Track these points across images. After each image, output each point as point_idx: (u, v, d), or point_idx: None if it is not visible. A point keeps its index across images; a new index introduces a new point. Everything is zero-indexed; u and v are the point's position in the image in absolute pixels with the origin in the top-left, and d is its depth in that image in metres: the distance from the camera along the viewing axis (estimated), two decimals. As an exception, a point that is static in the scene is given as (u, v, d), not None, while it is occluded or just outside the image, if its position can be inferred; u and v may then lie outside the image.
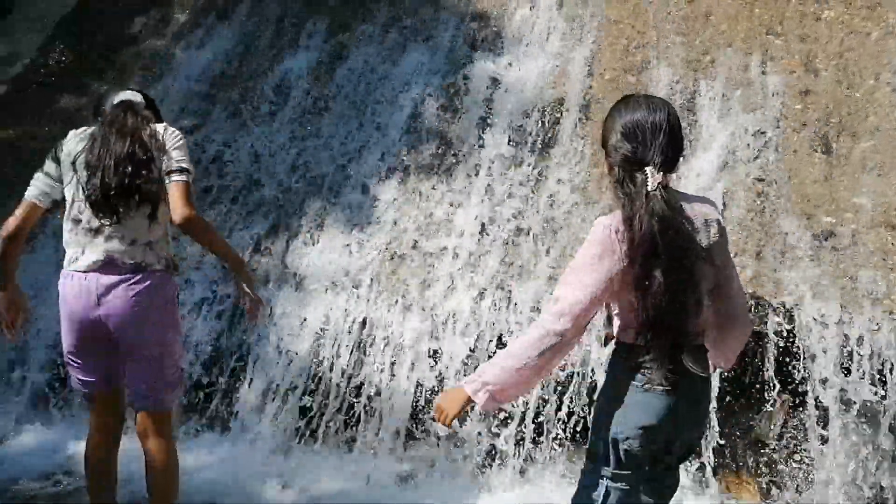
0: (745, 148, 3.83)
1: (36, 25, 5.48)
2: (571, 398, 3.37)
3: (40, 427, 3.78)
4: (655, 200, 1.82)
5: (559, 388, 3.39)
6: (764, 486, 3.25)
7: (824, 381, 3.18)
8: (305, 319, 3.74)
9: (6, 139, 4.78)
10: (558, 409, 3.37)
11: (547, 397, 3.41)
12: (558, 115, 4.22)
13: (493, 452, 3.42)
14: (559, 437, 3.37)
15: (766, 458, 3.26)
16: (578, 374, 3.38)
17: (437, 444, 3.51)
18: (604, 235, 1.85)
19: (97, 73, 5.08)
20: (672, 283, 1.80)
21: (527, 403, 3.40)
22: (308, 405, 3.65)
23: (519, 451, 3.38)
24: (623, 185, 1.87)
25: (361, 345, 3.65)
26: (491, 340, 3.52)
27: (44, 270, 4.04)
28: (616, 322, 1.94)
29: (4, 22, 5.59)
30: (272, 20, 5.10)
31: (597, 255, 1.85)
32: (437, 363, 3.53)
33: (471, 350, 3.51)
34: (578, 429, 3.34)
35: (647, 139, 1.87)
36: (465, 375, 3.44)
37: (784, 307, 3.31)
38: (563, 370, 3.36)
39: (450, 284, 3.73)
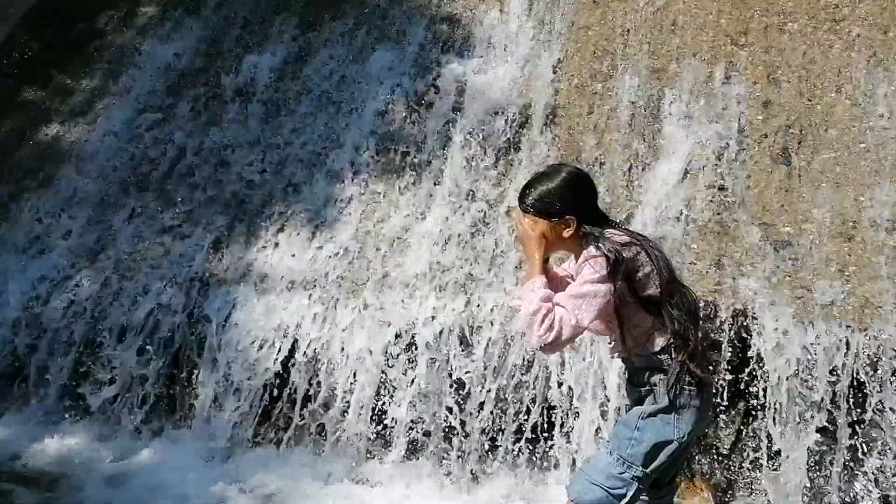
0: (706, 157, 3.86)
1: (4, 14, 5.39)
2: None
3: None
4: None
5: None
6: (718, 492, 3.28)
7: (779, 388, 3.22)
8: (264, 318, 3.71)
9: (-35, 131, 4.70)
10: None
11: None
12: (524, 119, 4.23)
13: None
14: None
15: (720, 465, 3.28)
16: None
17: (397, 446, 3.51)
18: None
19: (62, 65, 5.00)
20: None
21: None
22: (265, 405, 3.62)
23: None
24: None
25: (320, 345, 3.63)
26: (454, 343, 3.52)
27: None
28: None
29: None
30: (240, 16, 5.06)
31: None
32: (393, 365, 3.51)
33: (425, 355, 3.50)
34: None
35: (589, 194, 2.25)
36: (427, 375, 3.47)
37: (741, 314, 3.34)
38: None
39: (412, 286, 3.72)
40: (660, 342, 2.15)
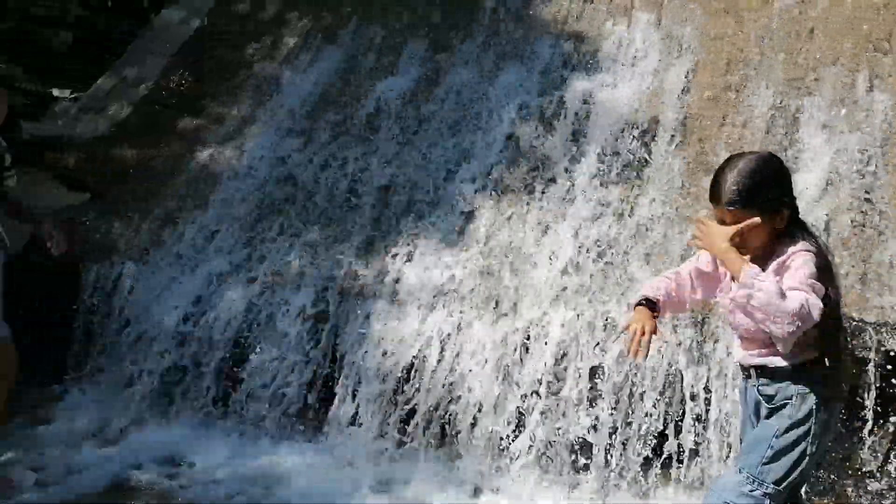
0: (849, 168, 3.71)
1: (161, 50, 5.90)
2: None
3: (158, 423, 4.06)
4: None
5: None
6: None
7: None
8: (400, 329, 3.88)
9: (132, 158, 5.18)
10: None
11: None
12: (653, 134, 4.22)
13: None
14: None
15: (867, 489, 3.15)
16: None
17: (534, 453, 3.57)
18: None
19: (213, 95, 5.42)
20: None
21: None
22: (401, 416, 3.78)
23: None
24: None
25: (454, 356, 3.75)
26: (585, 355, 3.56)
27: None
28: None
29: (133, 47, 6.05)
30: (375, 41, 5.31)
31: None
32: (524, 376, 3.59)
33: (558, 370, 3.56)
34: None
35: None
36: (551, 394, 3.52)
37: (886, 329, 3.19)
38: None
39: (542, 300, 3.79)
40: (811, 353, 2.11)
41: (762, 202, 2.07)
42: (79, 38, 6.64)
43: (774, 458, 2.12)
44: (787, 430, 2.13)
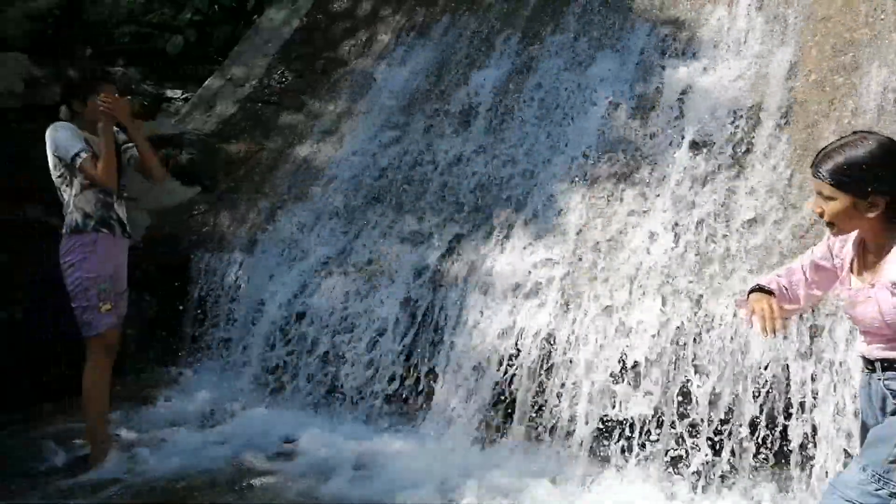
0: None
1: (263, 50, 6.16)
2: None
3: (263, 408, 4.24)
4: None
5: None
6: None
7: None
8: (493, 320, 3.91)
9: (238, 153, 5.43)
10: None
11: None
12: (755, 120, 4.07)
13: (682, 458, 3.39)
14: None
15: None
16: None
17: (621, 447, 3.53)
18: None
19: (312, 91, 5.61)
20: None
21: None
22: (496, 403, 3.81)
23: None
24: None
25: (548, 347, 3.75)
26: (679, 352, 3.48)
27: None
28: None
29: (239, 48, 6.33)
30: (467, 35, 5.35)
31: None
32: (618, 370, 3.55)
33: (651, 359, 3.49)
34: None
35: None
36: (642, 384, 3.47)
37: None
38: None
39: (637, 294, 3.73)
40: None
41: (850, 184, 2.00)
42: (190, 41, 6.99)
43: None
44: None
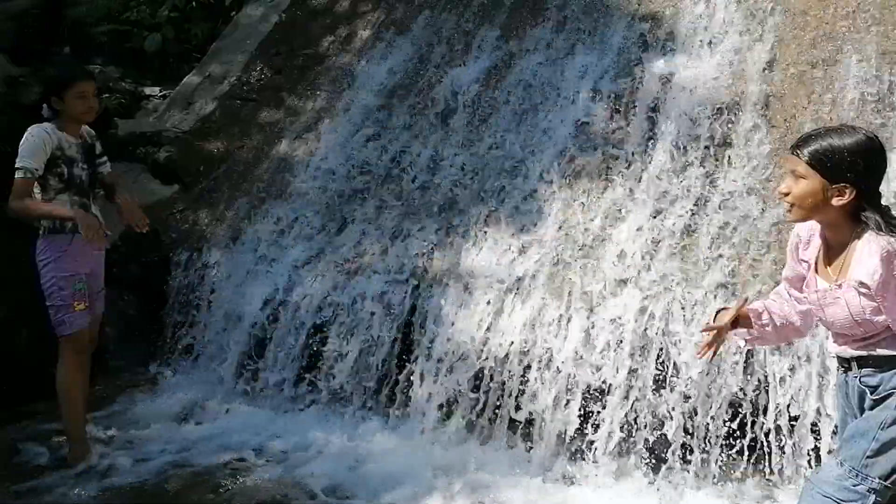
0: (948, 144, 3.50)
1: (242, 46, 6.10)
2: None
3: (243, 406, 4.20)
4: None
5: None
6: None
7: None
8: (473, 315, 3.89)
9: (217, 150, 5.38)
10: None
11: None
12: (734, 113, 4.08)
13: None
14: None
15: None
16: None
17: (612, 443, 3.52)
18: None
19: (291, 88, 5.57)
20: None
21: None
22: (477, 400, 3.79)
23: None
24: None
25: (527, 343, 3.74)
26: (661, 347, 3.49)
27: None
28: None
29: (217, 45, 6.27)
30: (446, 31, 5.33)
31: None
32: (600, 365, 3.55)
33: (632, 353, 3.49)
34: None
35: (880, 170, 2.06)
36: (625, 378, 3.46)
37: None
38: None
39: (615, 289, 3.73)
40: None
41: (825, 167, 1.98)
42: (167, 38, 6.92)
43: (880, 451, 2.01)
44: (893, 422, 2.01)
